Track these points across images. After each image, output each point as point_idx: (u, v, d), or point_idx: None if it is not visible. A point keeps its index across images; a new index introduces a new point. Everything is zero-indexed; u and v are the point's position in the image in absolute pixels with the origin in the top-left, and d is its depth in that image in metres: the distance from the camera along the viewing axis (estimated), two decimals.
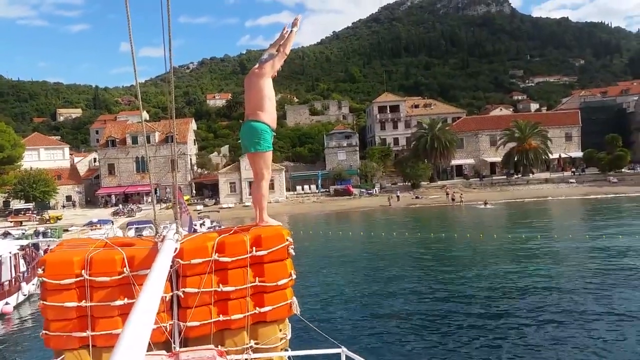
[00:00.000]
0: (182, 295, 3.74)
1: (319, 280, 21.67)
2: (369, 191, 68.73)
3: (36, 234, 38.33)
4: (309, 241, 34.26)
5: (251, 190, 4.64)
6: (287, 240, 4.09)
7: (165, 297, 3.69)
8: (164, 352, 3.55)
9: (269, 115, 4.37)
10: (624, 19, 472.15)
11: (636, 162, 71.21)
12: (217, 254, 3.80)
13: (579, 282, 19.49)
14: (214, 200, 68.89)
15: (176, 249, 3.66)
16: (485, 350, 12.97)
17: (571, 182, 65.47)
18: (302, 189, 73.51)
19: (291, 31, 4.60)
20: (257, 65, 4.52)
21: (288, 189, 71.79)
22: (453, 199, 58.02)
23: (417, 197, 63.99)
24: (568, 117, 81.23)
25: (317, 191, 72.34)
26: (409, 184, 69.11)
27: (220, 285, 3.80)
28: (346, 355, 4.36)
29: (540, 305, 16.52)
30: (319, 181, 73.63)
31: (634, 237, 28.23)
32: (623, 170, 67.14)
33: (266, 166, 4.47)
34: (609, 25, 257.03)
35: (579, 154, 75.47)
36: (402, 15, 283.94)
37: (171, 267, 3.70)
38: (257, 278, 3.90)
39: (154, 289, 2.36)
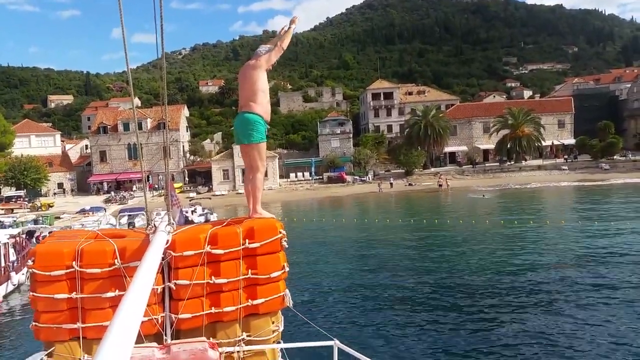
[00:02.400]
0: (174, 287, 3.72)
1: (312, 271, 21.70)
2: (363, 178, 68.82)
3: (33, 222, 38.15)
4: (303, 229, 34.33)
5: (244, 181, 4.60)
6: (280, 232, 4.07)
7: (157, 289, 3.66)
8: (155, 344, 3.53)
9: (262, 107, 4.35)
10: (617, 6, 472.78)
11: (628, 149, 71.63)
12: (209, 246, 3.77)
13: (571, 268, 19.69)
14: (206, 188, 68.72)
15: (168, 240, 3.62)
16: (481, 341, 13.07)
17: (564, 169, 65.84)
18: (296, 176, 73.49)
19: (289, 28, 4.60)
20: (252, 58, 4.48)
21: (281, 177, 71.72)
22: (440, 185, 58.70)
23: (410, 184, 64.19)
24: (561, 104, 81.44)
25: (310, 178, 72.34)
26: (403, 171, 69.21)
27: (213, 277, 3.78)
28: (339, 348, 4.36)
29: (536, 292, 16.68)
30: (313, 168, 73.57)
31: (624, 223, 28.51)
32: (615, 157, 67.54)
33: (260, 158, 4.44)
34: (603, 12, 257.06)
35: (572, 141, 75.82)
36: (396, 1, 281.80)
37: (163, 259, 3.67)
38: (249, 270, 3.88)
39: (144, 280, 2.33)
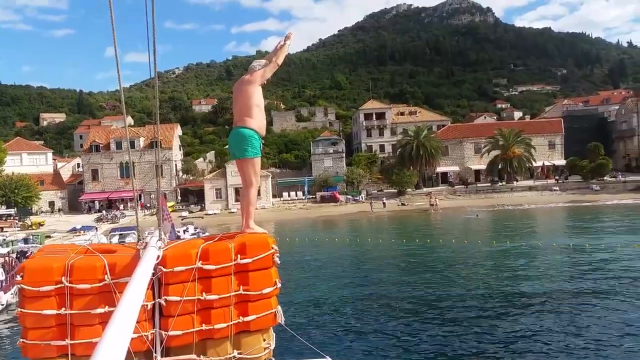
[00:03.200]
0: (164, 304, 3.67)
1: (304, 288, 21.57)
2: (355, 198, 68.84)
3: (24, 241, 37.66)
4: (296, 248, 34.16)
5: (239, 196, 4.59)
6: (272, 248, 4.04)
7: (147, 305, 3.62)
8: None
9: (257, 122, 4.36)
10: (602, 30, 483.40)
11: (617, 170, 72.32)
12: (200, 261, 3.74)
13: (561, 285, 19.70)
14: (199, 207, 68.40)
15: (159, 256, 3.59)
16: (474, 358, 12.99)
17: (555, 190, 66.25)
18: (289, 196, 73.36)
19: (284, 44, 4.63)
20: (247, 73, 4.50)
21: (274, 196, 71.58)
22: (431, 205, 59.15)
23: (403, 204, 64.25)
24: (551, 125, 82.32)
25: (303, 198, 72.23)
26: (395, 190, 69.36)
27: (204, 293, 3.74)
28: None
29: (527, 310, 16.64)
30: (306, 187, 73.52)
31: (616, 243, 28.63)
32: (605, 178, 68.13)
33: (254, 172, 4.43)
34: (590, 36, 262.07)
35: (562, 162, 76.46)
36: (388, 23, 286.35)
37: (153, 275, 3.63)
38: (241, 286, 3.84)
39: (134, 296, 2.31)
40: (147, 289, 3.60)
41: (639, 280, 20.21)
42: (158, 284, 3.72)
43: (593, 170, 68.10)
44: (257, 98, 4.37)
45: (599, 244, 29.36)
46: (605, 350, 12.94)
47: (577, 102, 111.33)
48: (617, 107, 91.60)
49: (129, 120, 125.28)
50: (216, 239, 4.02)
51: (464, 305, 17.95)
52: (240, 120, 4.36)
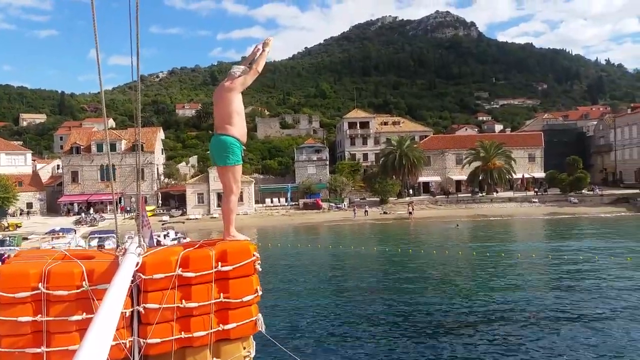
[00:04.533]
0: (143, 311, 3.63)
1: (285, 295, 21.48)
2: (338, 205, 68.92)
3: (0, 243, 36.76)
4: (278, 254, 34.05)
5: (221, 203, 4.56)
6: (253, 255, 4.02)
7: (125, 312, 3.57)
8: None
9: (238, 129, 4.35)
10: (582, 47, 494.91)
11: (595, 183, 73.71)
12: (180, 268, 3.70)
13: (542, 295, 19.94)
14: (180, 211, 67.75)
15: (138, 263, 3.55)
16: None
17: (534, 202, 67.19)
18: (272, 202, 73.15)
19: (263, 50, 4.61)
20: (227, 79, 4.48)
21: (257, 202, 71.29)
22: (410, 213, 60.22)
23: (385, 213, 64.53)
24: (531, 138, 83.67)
25: (286, 204, 72.08)
26: (378, 199, 69.65)
27: (183, 301, 3.70)
28: None
29: (505, 320, 16.80)
30: (289, 194, 73.39)
31: (594, 255, 29.14)
32: (583, 191, 69.35)
33: (235, 180, 4.43)
34: (570, 52, 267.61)
35: (542, 174, 77.66)
36: (373, 35, 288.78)
37: (132, 282, 3.59)
38: (221, 294, 3.82)
39: (113, 304, 2.29)
40: (126, 296, 3.57)
41: (617, 292, 20.54)
42: (137, 291, 3.68)
43: (571, 183, 69.28)
44: (237, 105, 4.36)
45: (577, 255, 29.82)
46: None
47: (557, 117, 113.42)
48: (596, 122, 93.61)
49: (111, 122, 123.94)
50: (196, 245, 3.99)
51: (443, 314, 18.05)
52: (221, 128, 4.36)
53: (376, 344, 15.02)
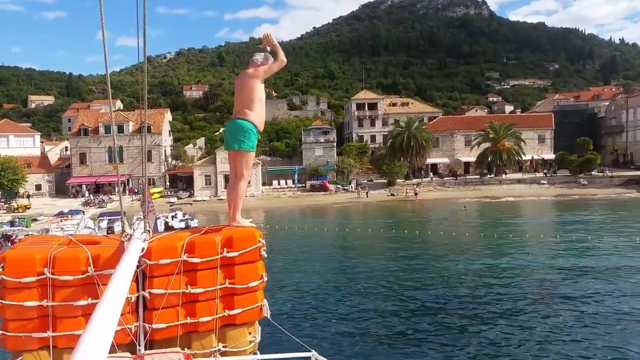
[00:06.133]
0: (149, 297, 3.63)
1: (291, 280, 21.58)
2: (345, 187, 68.93)
3: (9, 223, 37.27)
4: (284, 237, 34.23)
5: (227, 188, 4.53)
6: (259, 241, 4.01)
7: (131, 297, 3.58)
8: (128, 354, 3.45)
9: (257, 116, 4.32)
10: (595, 26, 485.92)
11: (605, 165, 73.03)
12: (186, 254, 3.70)
13: (549, 277, 19.92)
14: (188, 193, 68.11)
15: (143, 248, 3.55)
16: (459, 350, 13.11)
17: (543, 183, 66.79)
18: (279, 184, 73.31)
19: (275, 44, 4.52)
20: (251, 67, 4.42)
21: (264, 184, 71.46)
22: (416, 194, 61.18)
23: (392, 194, 64.50)
24: (542, 119, 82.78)
25: (293, 186, 72.19)
26: (385, 181, 69.55)
27: (189, 286, 3.70)
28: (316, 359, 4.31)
29: (512, 302, 16.82)
30: (296, 176, 73.44)
31: (603, 237, 29.00)
32: (593, 173, 68.77)
33: (247, 166, 4.39)
34: (583, 31, 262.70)
35: (551, 156, 76.99)
36: (382, 13, 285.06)
37: (138, 267, 3.59)
38: (227, 280, 3.82)
39: (118, 289, 2.27)
40: (131, 281, 3.57)
41: (627, 275, 20.46)
42: (142, 277, 3.68)
43: (581, 164, 68.68)
44: (259, 92, 4.36)
45: (586, 235, 29.69)
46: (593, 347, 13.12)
47: (568, 98, 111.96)
48: (607, 103, 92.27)
49: (118, 104, 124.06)
50: (202, 231, 3.98)
51: (451, 297, 18.09)
52: (241, 112, 4.32)
53: (382, 330, 15.11)
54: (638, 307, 16.24)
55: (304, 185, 71.23)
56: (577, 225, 35.75)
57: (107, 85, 3.86)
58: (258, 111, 4.33)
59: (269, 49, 4.56)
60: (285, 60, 4.51)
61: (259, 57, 4.48)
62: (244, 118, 4.29)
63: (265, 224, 40.77)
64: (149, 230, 3.83)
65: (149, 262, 3.61)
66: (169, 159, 77.65)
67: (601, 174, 68.42)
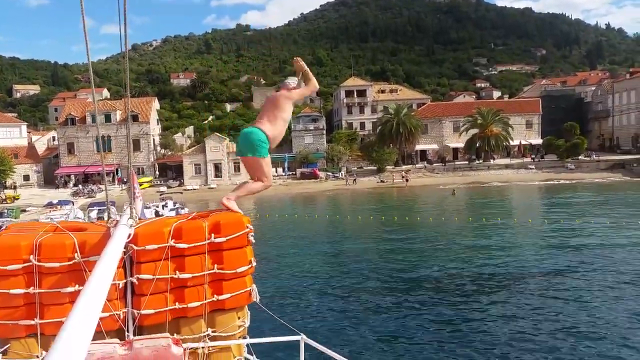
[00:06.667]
0: (137, 282, 3.63)
1: (281, 265, 21.67)
2: (335, 174, 69.04)
3: None
4: (274, 225, 34.27)
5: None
6: (247, 227, 4.01)
7: (119, 284, 3.58)
8: (116, 340, 3.44)
9: (274, 131, 4.30)
10: (581, 12, 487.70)
11: (592, 149, 73.76)
12: (173, 240, 3.69)
13: (534, 262, 20.18)
14: (177, 182, 67.83)
15: (130, 234, 3.53)
16: (447, 333, 13.28)
17: (530, 168, 67.39)
18: None
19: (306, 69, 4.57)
20: (283, 87, 4.48)
21: None
22: (407, 180, 61.84)
23: (382, 181, 64.74)
24: (529, 105, 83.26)
25: (283, 174, 72.16)
26: (375, 168, 69.74)
27: (177, 272, 3.70)
28: (305, 343, 4.35)
29: (502, 286, 17.03)
30: (286, 164, 73.38)
31: (590, 221, 29.40)
32: (580, 157, 69.47)
33: (264, 174, 4.30)
34: (569, 17, 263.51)
35: (539, 141, 77.61)
36: None
37: (125, 253, 3.58)
38: (215, 265, 3.82)
39: (103, 275, 2.26)
40: (119, 267, 3.56)
41: (613, 258, 20.79)
42: (130, 263, 3.67)
43: (568, 149, 69.32)
44: (287, 113, 4.40)
45: (573, 221, 30.05)
46: (575, 329, 13.34)
47: (555, 83, 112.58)
48: (594, 88, 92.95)
49: (105, 93, 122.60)
50: (189, 217, 3.98)
51: (439, 279, 18.28)
52: (260, 122, 4.31)
53: (373, 311, 15.25)
54: (621, 281, 16.62)
55: (294, 173, 71.23)
56: (564, 209, 36.18)
57: (90, 75, 3.81)
58: (278, 128, 4.34)
59: (301, 74, 4.57)
60: (317, 85, 4.64)
61: (291, 81, 4.55)
62: (261, 128, 4.25)
63: (255, 212, 40.78)
64: (135, 216, 3.81)
65: (136, 247, 3.60)
66: (158, 148, 77.13)
67: (588, 158, 69.14)
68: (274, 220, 36.32)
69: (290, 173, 71.69)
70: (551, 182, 57.51)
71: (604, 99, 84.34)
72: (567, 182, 57.06)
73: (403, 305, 15.61)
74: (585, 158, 69.39)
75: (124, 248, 3.54)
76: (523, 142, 77.17)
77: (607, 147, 79.56)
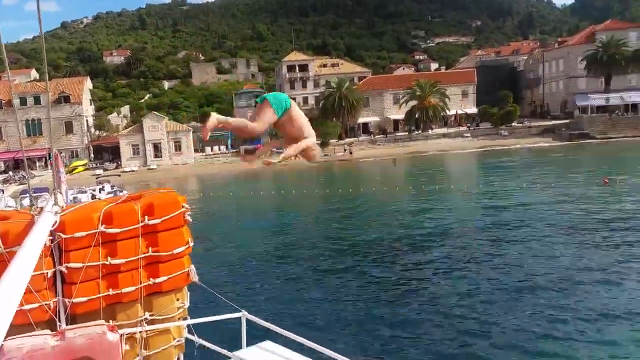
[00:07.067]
0: (66, 271, 3.52)
1: (224, 243, 21.50)
2: (280, 150, 68.67)
3: None
4: (218, 203, 33.89)
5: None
6: (182, 207, 3.94)
7: (47, 273, 3.45)
8: (48, 331, 3.34)
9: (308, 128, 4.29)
10: None
11: (524, 116, 77.10)
12: (104, 225, 3.59)
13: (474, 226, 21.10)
14: (114, 164, 65.40)
15: (56, 222, 3.40)
16: (390, 304, 13.70)
17: (466, 136, 69.82)
18: (212, 150, 71.88)
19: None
20: None
21: (197, 150, 69.86)
22: (351, 153, 62.83)
23: (326, 155, 65.12)
24: (465, 75, 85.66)
25: (227, 152, 71.10)
26: (319, 142, 69.92)
27: (109, 258, 3.61)
28: (247, 319, 4.38)
29: (440, 251, 17.73)
30: (229, 141, 72.30)
31: (520, 184, 30.94)
32: (513, 124, 72.52)
33: (259, 118, 3.99)
34: None
35: (474, 110, 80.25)
36: None
37: (52, 242, 3.46)
38: (150, 248, 3.75)
39: (22, 265, 2.17)
40: (46, 256, 3.43)
41: (543, 213, 22.03)
42: (58, 251, 3.54)
43: (502, 117, 72.19)
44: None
45: (506, 183, 31.54)
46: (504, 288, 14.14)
47: (490, 53, 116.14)
48: (526, 57, 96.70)
49: (33, 74, 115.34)
50: (120, 200, 3.86)
51: (379, 246, 18.80)
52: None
53: (313, 284, 15.51)
54: (546, 233, 17.90)
55: (238, 150, 70.31)
56: (498, 173, 37.87)
57: (2, 55, 3.56)
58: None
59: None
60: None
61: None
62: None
63: (199, 191, 40.11)
64: (61, 203, 3.66)
65: (63, 235, 3.48)
66: (92, 130, 73.79)
67: (520, 124, 72.28)
68: (218, 198, 35.91)
69: (234, 150, 70.72)
70: (486, 149, 59.89)
71: (535, 67, 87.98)
72: (501, 148, 59.58)
73: (346, 277, 15.98)
74: (518, 125, 72.48)
75: (51, 236, 3.41)
76: (459, 112, 79.52)
77: (539, 113, 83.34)
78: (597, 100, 71.55)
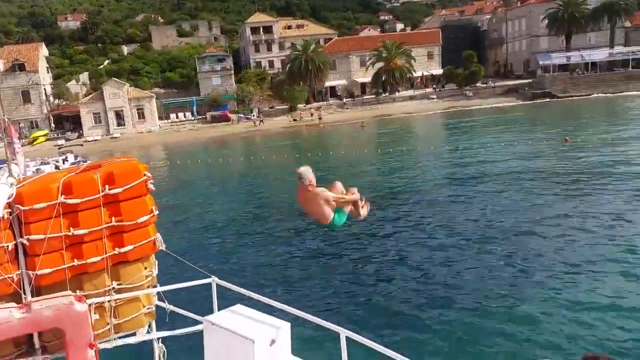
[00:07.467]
0: (28, 243, 3.46)
1: (193, 211, 21.36)
2: (248, 116, 67.88)
3: None
4: (186, 171, 33.50)
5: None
6: (144, 175, 3.90)
7: (8, 246, 3.39)
8: (13, 304, 3.31)
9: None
10: None
11: (489, 76, 77.90)
12: (63, 196, 3.52)
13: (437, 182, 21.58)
14: (76, 134, 63.50)
15: (12, 194, 3.32)
16: (358, 264, 14.00)
17: (432, 98, 70.31)
18: (177, 117, 70.37)
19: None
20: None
21: (161, 118, 68.27)
22: (320, 117, 61.92)
23: (294, 120, 64.69)
24: (430, 36, 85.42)
25: (192, 118, 69.77)
26: (287, 107, 69.29)
27: (71, 228, 3.56)
28: (217, 284, 4.42)
29: (409, 213, 18.11)
30: (194, 108, 70.88)
31: (487, 142, 31.61)
32: (477, 84, 73.26)
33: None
34: None
35: (440, 71, 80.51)
36: None
37: (11, 214, 3.38)
38: (113, 218, 3.71)
39: None
40: (5, 229, 3.36)
41: (506, 170, 22.67)
42: (18, 224, 3.47)
43: (467, 77, 72.76)
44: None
45: (471, 142, 32.17)
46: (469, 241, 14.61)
47: (454, 12, 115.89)
48: (489, 16, 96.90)
49: None
50: (79, 170, 3.79)
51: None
52: None
53: (282, 248, 15.69)
54: (509, 187, 18.53)
55: (204, 116, 69.08)
56: (463, 133, 38.52)
57: None
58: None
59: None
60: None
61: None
62: None
63: (166, 159, 39.50)
64: (16, 175, 3.57)
65: (22, 207, 3.40)
66: (51, 99, 71.07)
67: (485, 85, 73.10)
68: (186, 166, 35.47)
69: (201, 117, 69.46)
70: (451, 110, 60.58)
71: (499, 27, 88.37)
72: (466, 108, 60.35)
73: (314, 239, 16.17)
74: (482, 85, 73.28)
75: (9, 209, 3.34)
76: (425, 73, 79.71)
77: (502, 73, 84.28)
78: (559, 59, 72.72)
